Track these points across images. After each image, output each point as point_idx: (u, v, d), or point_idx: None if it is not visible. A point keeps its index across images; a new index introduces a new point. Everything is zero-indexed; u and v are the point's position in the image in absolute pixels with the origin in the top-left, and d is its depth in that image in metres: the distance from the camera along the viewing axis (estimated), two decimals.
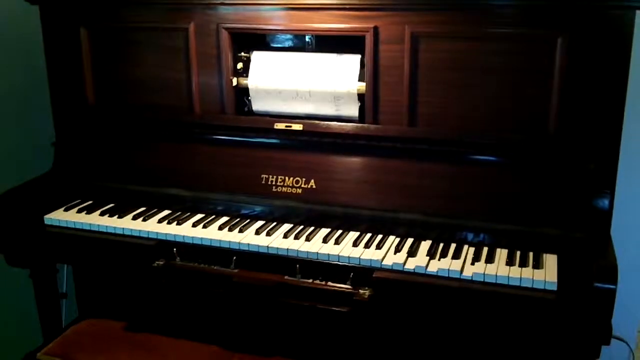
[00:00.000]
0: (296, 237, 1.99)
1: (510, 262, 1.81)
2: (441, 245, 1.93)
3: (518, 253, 1.86)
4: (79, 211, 2.23)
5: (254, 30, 2.18)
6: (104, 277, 2.51)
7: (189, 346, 2.06)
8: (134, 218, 2.16)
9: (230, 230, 2.05)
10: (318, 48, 2.23)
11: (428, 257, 1.86)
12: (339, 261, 1.88)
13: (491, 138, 1.97)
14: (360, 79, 2.11)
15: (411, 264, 1.83)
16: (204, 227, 2.08)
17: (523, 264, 1.80)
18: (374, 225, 2.02)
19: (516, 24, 1.92)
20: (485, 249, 1.89)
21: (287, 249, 1.93)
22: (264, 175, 2.13)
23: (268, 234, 2.01)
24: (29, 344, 2.47)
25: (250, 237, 2.00)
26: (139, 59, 2.33)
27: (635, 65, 1.86)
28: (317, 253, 1.90)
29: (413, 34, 1.99)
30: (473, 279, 1.77)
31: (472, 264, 1.81)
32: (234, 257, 1.95)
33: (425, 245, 1.93)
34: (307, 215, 2.08)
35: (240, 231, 2.04)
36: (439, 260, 1.84)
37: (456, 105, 2.01)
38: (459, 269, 1.79)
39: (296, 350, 2.24)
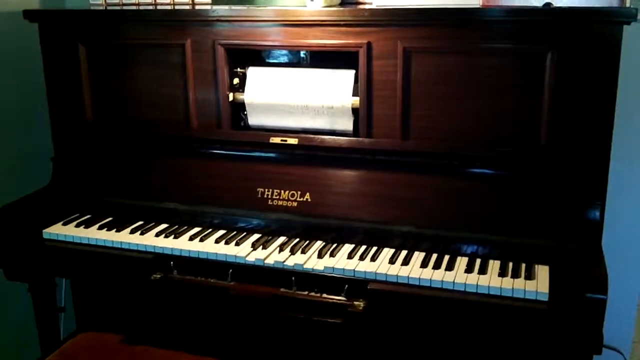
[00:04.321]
0: (292, 250, 2.01)
1: (502, 273, 1.83)
2: (435, 256, 1.95)
3: (510, 264, 1.88)
4: (78, 225, 2.25)
5: (250, 46, 2.22)
6: (102, 290, 2.53)
7: (186, 358, 2.07)
8: (132, 232, 2.18)
9: (226, 243, 2.07)
10: (313, 63, 2.27)
11: (422, 269, 1.88)
12: (334, 273, 1.90)
13: (483, 151, 2.00)
14: (355, 93, 2.13)
15: (405, 276, 1.85)
16: (201, 240, 2.10)
17: (515, 274, 1.82)
18: (368, 237, 2.04)
19: (506, 39, 1.95)
20: (478, 260, 1.91)
21: (283, 261, 1.95)
22: (260, 189, 2.15)
23: (264, 247, 2.03)
24: (27, 357, 2.49)
25: (246, 251, 2.02)
26: (136, 75, 2.36)
27: (623, 79, 1.90)
28: (313, 266, 1.92)
29: (405, 49, 2.02)
30: (466, 290, 1.79)
31: (465, 275, 1.84)
32: (231, 270, 1.97)
33: (419, 256, 1.96)
34: (302, 228, 2.10)
35: (237, 244, 2.06)
36: (432, 272, 1.86)
37: (448, 119, 2.04)
38: (452, 280, 1.81)
39: None
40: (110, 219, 2.29)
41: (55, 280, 2.43)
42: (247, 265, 1.98)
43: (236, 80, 2.28)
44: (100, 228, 2.22)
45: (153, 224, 2.23)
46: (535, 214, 1.93)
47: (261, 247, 2.03)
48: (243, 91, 2.27)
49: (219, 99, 2.27)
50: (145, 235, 2.16)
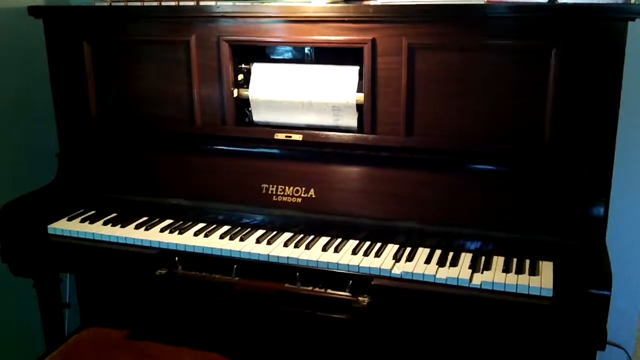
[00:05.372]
0: (296, 246, 2.01)
1: (506, 269, 1.84)
2: (439, 253, 1.95)
3: (514, 260, 1.89)
4: (82, 221, 2.26)
5: (254, 42, 2.22)
6: (107, 286, 2.54)
7: (190, 354, 2.08)
8: (137, 228, 2.19)
9: (231, 239, 2.08)
10: (317, 60, 2.27)
11: (426, 265, 1.88)
12: (338, 269, 1.91)
13: (487, 147, 2.00)
14: (359, 90, 2.14)
15: (409, 272, 1.85)
16: (206, 236, 2.11)
17: (519, 271, 1.83)
18: (372, 233, 2.04)
19: (511, 35, 1.95)
20: (483, 257, 1.92)
21: (287, 257, 1.95)
22: (265, 185, 2.16)
23: (268, 243, 2.04)
24: (31, 352, 2.50)
25: (250, 246, 2.03)
26: (140, 71, 2.36)
27: (628, 75, 1.90)
28: (317, 261, 1.93)
29: (410, 46, 2.02)
30: (470, 286, 1.80)
31: (469, 271, 1.84)
32: (235, 266, 1.98)
33: (423, 253, 1.96)
34: (306, 224, 2.10)
35: (241, 240, 2.07)
36: (436, 267, 1.87)
37: (452, 116, 2.04)
38: (456, 276, 1.81)
39: (296, 357, 2.27)
40: (114, 214, 2.30)
41: (60, 276, 2.44)
42: (251, 260, 1.98)
43: (241, 77, 2.29)
44: (105, 224, 2.23)
45: (158, 219, 2.24)
46: (540, 210, 1.93)
47: (266, 242, 2.04)
48: (248, 87, 2.27)
49: (223, 96, 2.27)
50: (150, 231, 2.17)
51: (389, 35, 2.04)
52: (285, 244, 2.03)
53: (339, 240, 2.05)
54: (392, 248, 1.99)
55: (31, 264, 2.26)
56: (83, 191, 2.37)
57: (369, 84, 2.09)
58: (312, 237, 2.07)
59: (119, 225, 2.20)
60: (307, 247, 2.00)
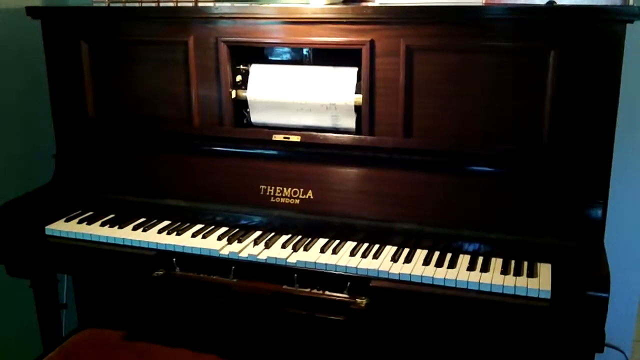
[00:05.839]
0: (294, 247, 2.01)
1: (505, 271, 1.84)
2: (437, 254, 1.95)
3: (513, 262, 1.88)
4: (80, 222, 2.25)
5: (253, 43, 2.22)
6: (104, 287, 2.54)
7: (187, 355, 2.07)
8: (134, 229, 2.18)
9: (229, 240, 2.07)
10: (315, 61, 2.26)
11: (424, 267, 1.88)
12: (336, 270, 1.90)
13: (485, 149, 2.00)
14: (357, 91, 2.13)
15: (407, 273, 1.85)
16: (203, 237, 2.10)
17: (517, 272, 1.83)
18: (370, 235, 2.04)
19: (509, 37, 1.95)
20: (481, 258, 1.91)
21: (285, 258, 1.95)
22: (263, 186, 2.15)
23: (266, 244, 2.04)
24: (29, 353, 2.50)
25: (248, 248, 2.02)
26: (138, 72, 2.36)
27: (626, 77, 1.90)
28: (315, 263, 1.92)
29: (408, 47, 2.02)
30: (468, 287, 1.80)
31: (467, 272, 1.84)
32: (233, 267, 1.97)
33: (421, 254, 1.96)
34: (304, 225, 2.10)
35: (239, 241, 2.06)
36: (434, 269, 1.86)
37: (450, 117, 2.04)
38: (454, 277, 1.81)
39: (294, 359, 2.27)
40: (112, 215, 2.29)
41: (57, 277, 2.43)
42: (249, 262, 1.98)
43: (239, 78, 2.28)
44: (102, 225, 2.22)
45: (155, 220, 2.24)
46: (538, 212, 1.93)
47: (264, 244, 2.04)
48: (246, 88, 2.27)
49: (221, 96, 2.27)
50: (148, 232, 2.16)
51: (387, 36, 2.04)
52: (283, 246, 2.02)
53: (337, 241, 2.04)
54: (390, 249, 1.99)
55: (28, 264, 2.25)
56: (80, 192, 2.37)
57: (367, 85, 2.09)
58: (310, 238, 2.07)
59: (117, 226, 2.20)
60: (305, 249, 2.00)
